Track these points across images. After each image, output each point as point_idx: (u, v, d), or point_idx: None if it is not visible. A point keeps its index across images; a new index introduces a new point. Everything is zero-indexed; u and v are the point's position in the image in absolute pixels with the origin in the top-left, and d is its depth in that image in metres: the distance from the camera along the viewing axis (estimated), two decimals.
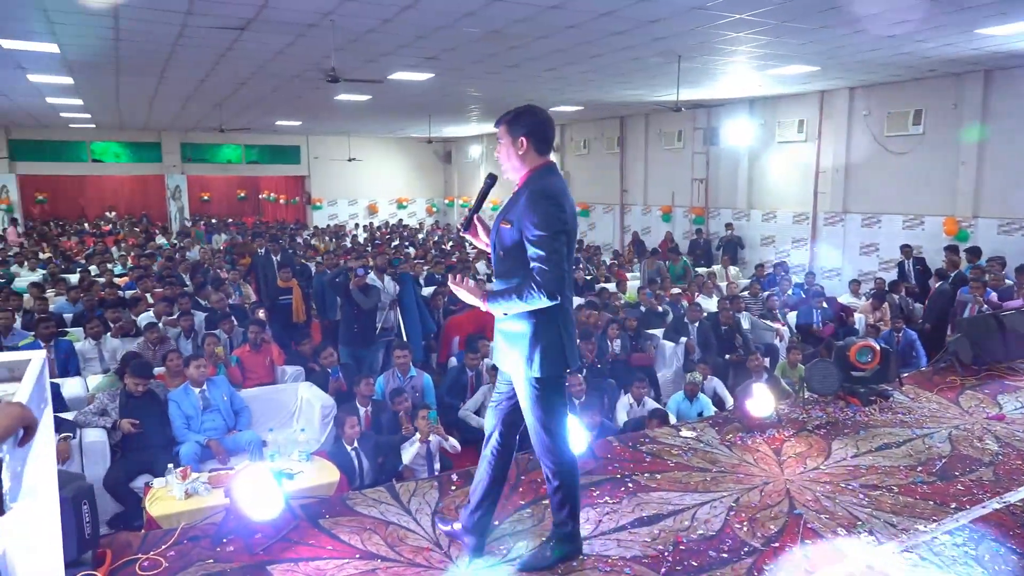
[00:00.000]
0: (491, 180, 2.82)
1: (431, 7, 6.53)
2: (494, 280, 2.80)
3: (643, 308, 8.87)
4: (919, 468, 3.79)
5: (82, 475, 3.59)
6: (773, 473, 3.75)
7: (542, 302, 2.53)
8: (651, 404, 6.14)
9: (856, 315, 9.26)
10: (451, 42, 8.08)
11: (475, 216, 2.86)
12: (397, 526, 3.16)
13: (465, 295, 2.66)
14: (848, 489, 3.53)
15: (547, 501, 3.37)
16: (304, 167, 22.75)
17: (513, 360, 2.72)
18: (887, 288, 9.67)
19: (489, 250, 2.80)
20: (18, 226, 18.97)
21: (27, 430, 1.29)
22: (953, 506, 3.35)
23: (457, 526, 2.98)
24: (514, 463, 3.79)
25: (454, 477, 3.67)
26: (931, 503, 3.38)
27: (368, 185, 23.38)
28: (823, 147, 12.64)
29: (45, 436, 1.61)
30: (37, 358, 1.57)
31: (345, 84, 9.57)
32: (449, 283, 2.71)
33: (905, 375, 5.50)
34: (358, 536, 3.06)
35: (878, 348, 4.89)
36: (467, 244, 14.07)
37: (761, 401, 4.42)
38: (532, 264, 2.54)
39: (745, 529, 3.13)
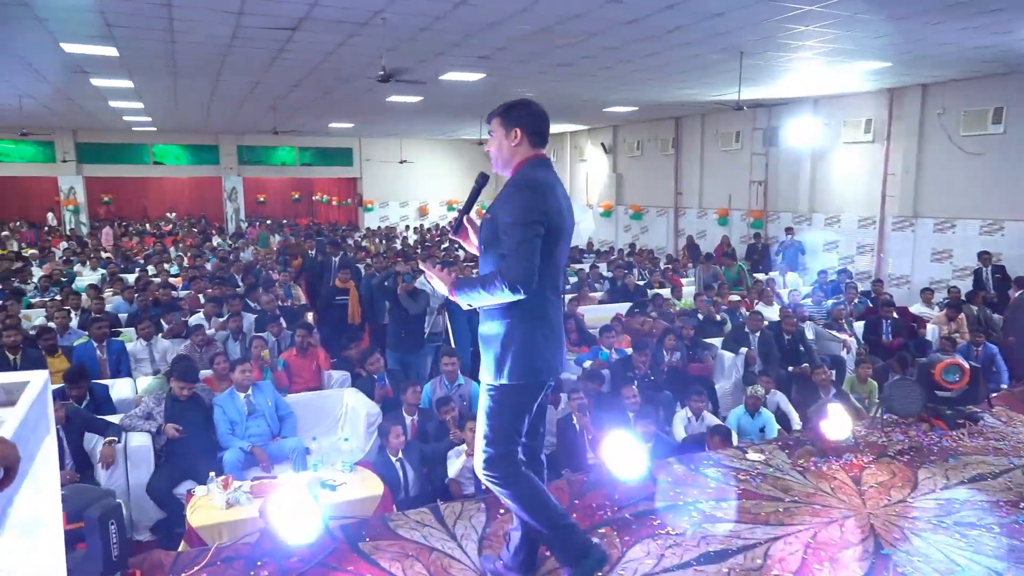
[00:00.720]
0: (482, 180, 2.64)
1: (484, 3, 6.33)
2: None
3: (700, 316, 8.50)
4: (1022, 504, 3.38)
5: (111, 491, 3.48)
6: (854, 505, 3.39)
7: (504, 295, 2.30)
8: (710, 419, 5.81)
9: (929, 326, 8.68)
10: (503, 40, 7.87)
11: (465, 218, 2.65)
12: (441, 553, 2.93)
13: (436, 283, 2.49)
14: (942, 527, 3.15)
15: (603, 529, 3.11)
16: (356, 169, 22.94)
17: (484, 365, 2.47)
18: (963, 298, 9.06)
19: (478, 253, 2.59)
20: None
21: (8, 472, 1.10)
22: None
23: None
24: (566, 486, 3.56)
25: None
26: None
27: (419, 187, 23.41)
28: (892, 148, 11.98)
29: (47, 463, 1.43)
30: (37, 381, 1.39)
31: (397, 86, 9.49)
32: (420, 266, 2.50)
33: (994, 395, 5.03)
34: (399, 563, 2.84)
35: (967, 367, 4.46)
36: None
37: (837, 422, 4.05)
38: (501, 253, 2.34)
39: (826, 571, 2.80)
